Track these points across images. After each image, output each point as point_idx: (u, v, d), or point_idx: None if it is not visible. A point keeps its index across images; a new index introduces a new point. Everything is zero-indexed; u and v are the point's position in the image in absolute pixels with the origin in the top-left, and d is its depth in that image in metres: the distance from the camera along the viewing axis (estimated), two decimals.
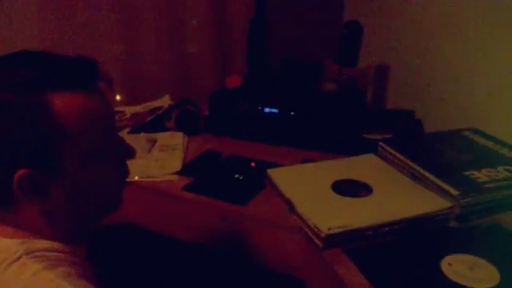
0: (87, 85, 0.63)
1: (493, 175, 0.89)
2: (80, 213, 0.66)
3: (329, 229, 0.77)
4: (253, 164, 1.08)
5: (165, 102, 1.39)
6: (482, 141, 1.05)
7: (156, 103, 1.40)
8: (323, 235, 0.77)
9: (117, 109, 1.40)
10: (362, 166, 1.02)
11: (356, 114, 1.17)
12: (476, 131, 1.10)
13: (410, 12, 1.35)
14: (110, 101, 0.67)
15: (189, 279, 1.07)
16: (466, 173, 0.90)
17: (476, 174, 0.90)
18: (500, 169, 0.91)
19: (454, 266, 0.71)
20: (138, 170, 1.07)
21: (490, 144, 1.03)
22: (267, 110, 1.18)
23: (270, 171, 0.99)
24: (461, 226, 0.83)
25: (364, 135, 1.16)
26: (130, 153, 0.72)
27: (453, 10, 1.19)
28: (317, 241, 0.79)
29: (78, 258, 0.64)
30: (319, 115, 1.15)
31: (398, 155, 1.00)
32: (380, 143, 1.06)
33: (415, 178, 0.94)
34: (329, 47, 1.33)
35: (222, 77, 1.51)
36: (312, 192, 0.91)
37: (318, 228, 0.78)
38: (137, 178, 1.04)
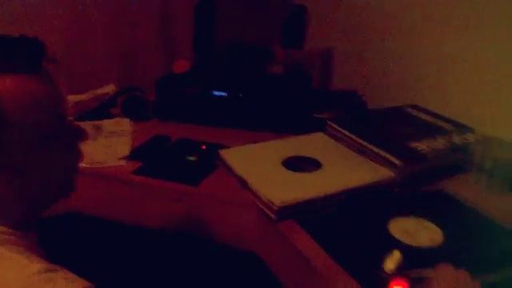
0: (29, 66, 0.60)
1: (432, 145, 0.94)
2: (30, 200, 0.63)
3: (281, 201, 0.79)
4: (204, 146, 1.08)
5: (110, 89, 1.36)
6: (421, 115, 1.11)
7: (100, 91, 1.36)
8: (276, 208, 0.79)
9: None
10: (310, 144, 1.04)
11: (303, 95, 1.20)
12: (415, 107, 1.16)
13: None
14: (56, 82, 0.64)
15: (147, 264, 1.06)
16: (408, 144, 0.95)
17: (417, 144, 0.94)
18: (439, 139, 0.97)
19: (400, 227, 0.74)
20: (85, 157, 1.04)
21: (428, 118, 1.09)
22: (216, 93, 1.18)
23: (221, 151, 0.99)
24: (405, 193, 0.87)
25: (312, 114, 1.18)
26: (82, 135, 0.70)
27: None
28: (270, 214, 0.80)
29: (27, 242, 0.61)
30: (267, 97, 1.17)
31: (344, 132, 1.03)
32: (327, 121, 1.09)
33: (361, 151, 0.97)
34: (276, 31, 1.34)
35: (168, 63, 1.49)
36: (264, 169, 0.93)
37: (270, 201, 0.80)
38: (83, 164, 1.01)
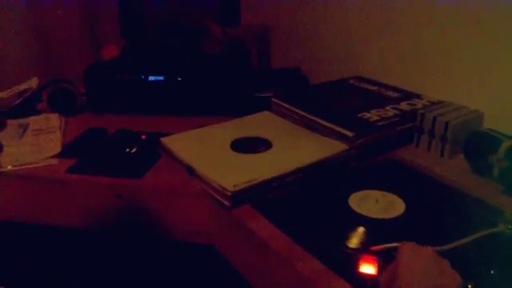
0: None
1: (382, 114, 0.92)
2: None
3: (234, 186, 0.74)
4: (143, 136, 1.00)
5: (33, 83, 1.23)
6: (367, 86, 1.09)
7: (23, 86, 1.23)
8: (229, 193, 0.73)
9: None
10: (257, 124, 0.99)
11: (244, 74, 1.14)
12: (359, 78, 1.14)
13: None
14: None
15: (94, 271, 0.97)
16: (358, 115, 0.92)
17: (367, 115, 0.92)
18: (388, 108, 0.95)
19: (360, 201, 0.71)
20: (10, 158, 0.93)
21: (374, 88, 1.07)
22: (152, 78, 1.10)
23: (164, 139, 0.92)
24: (360, 166, 0.85)
25: (255, 94, 1.13)
26: None
27: None
28: (223, 200, 0.75)
29: None
30: (207, 78, 1.10)
31: (291, 108, 0.99)
32: (272, 99, 1.05)
33: (311, 127, 0.94)
34: (209, 7, 1.27)
35: (95, 52, 1.38)
36: (211, 154, 0.87)
37: (222, 187, 0.74)
38: (9, 167, 0.91)
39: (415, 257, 0.53)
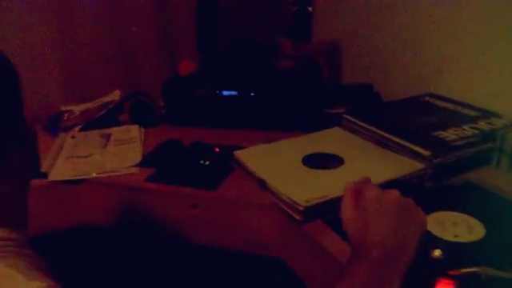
0: None
1: (460, 133, 0.89)
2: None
3: (306, 201, 0.74)
4: (217, 149, 1.04)
5: (115, 96, 1.32)
6: (441, 103, 1.06)
7: (106, 98, 1.32)
8: (301, 208, 0.74)
9: (64, 108, 1.32)
10: (329, 140, 1.00)
11: (316, 90, 1.15)
12: (433, 95, 1.11)
13: None
14: None
15: (166, 277, 1.01)
16: (434, 133, 0.90)
17: (443, 133, 0.89)
18: (465, 127, 0.92)
19: (438, 223, 0.69)
20: (95, 166, 1.00)
21: (449, 106, 1.04)
22: (226, 93, 1.14)
23: (237, 153, 0.95)
24: (435, 186, 0.83)
25: (326, 110, 1.14)
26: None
27: None
28: (295, 215, 0.75)
29: (28, 251, 0.57)
30: (279, 94, 1.12)
31: (363, 124, 0.98)
32: (344, 115, 1.04)
33: (384, 144, 0.92)
34: (279, 23, 1.30)
35: (171, 66, 1.45)
36: (283, 169, 0.88)
37: (295, 202, 0.75)
38: (94, 174, 0.97)
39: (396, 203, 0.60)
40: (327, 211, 0.75)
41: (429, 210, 0.73)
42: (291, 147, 0.97)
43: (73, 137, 1.16)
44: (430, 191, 0.81)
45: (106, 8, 1.39)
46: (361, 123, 0.99)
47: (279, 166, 0.89)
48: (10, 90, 0.57)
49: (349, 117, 1.03)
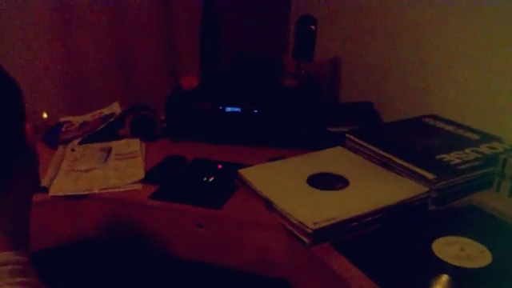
0: None
1: (463, 157, 0.90)
2: None
3: (315, 223, 0.75)
4: (219, 166, 1.04)
5: (115, 108, 1.31)
6: (443, 126, 1.07)
7: (105, 110, 1.31)
8: (310, 231, 0.74)
9: (63, 119, 1.30)
10: (332, 159, 1.00)
11: (318, 108, 1.16)
12: (435, 117, 1.12)
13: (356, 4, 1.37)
14: None
15: None
16: (438, 157, 0.91)
17: (447, 157, 0.91)
18: (468, 150, 0.93)
19: (444, 247, 0.70)
20: (96, 181, 0.99)
21: (451, 128, 1.06)
22: (229, 109, 1.14)
23: (241, 171, 0.95)
24: (439, 209, 0.84)
25: (329, 129, 1.14)
26: None
27: (404, 4, 1.21)
28: (303, 237, 0.76)
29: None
30: (283, 111, 1.13)
31: (367, 145, 0.99)
32: (347, 135, 1.05)
33: (387, 166, 0.94)
34: (281, 41, 1.31)
35: (172, 80, 1.45)
36: (288, 188, 0.89)
37: (303, 224, 0.75)
38: (96, 190, 0.96)
39: None
40: (335, 234, 0.76)
41: (434, 233, 0.74)
42: (295, 166, 0.98)
43: (73, 150, 1.15)
44: (434, 214, 0.82)
45: (108, 19, 1.38)
46: (364, 144, 1.00)
47: (284, 185, 0.90)
48: (12, 105, 0.56)
49: (352, 137, 1.04)
